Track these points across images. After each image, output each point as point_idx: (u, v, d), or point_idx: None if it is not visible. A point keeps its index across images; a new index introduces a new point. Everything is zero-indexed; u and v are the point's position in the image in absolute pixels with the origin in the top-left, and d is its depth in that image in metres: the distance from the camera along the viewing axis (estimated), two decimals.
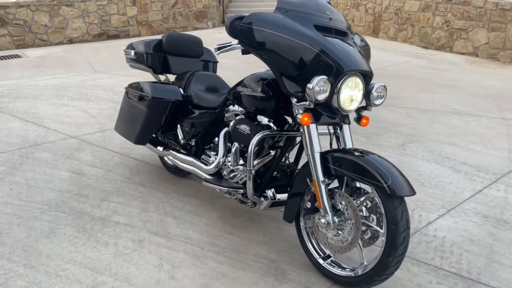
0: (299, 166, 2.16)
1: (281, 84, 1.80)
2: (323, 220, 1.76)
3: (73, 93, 5.37)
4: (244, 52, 1.97)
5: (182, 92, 2.63)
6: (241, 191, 2.08)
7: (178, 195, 2.70)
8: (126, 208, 2.54)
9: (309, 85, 1.67)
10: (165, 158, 2.80)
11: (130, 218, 2.43)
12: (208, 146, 2.50)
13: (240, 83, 2.14)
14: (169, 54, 2.82)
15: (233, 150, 2.06)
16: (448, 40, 7.79)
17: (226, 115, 2.36)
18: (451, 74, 6.21)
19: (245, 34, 1.84)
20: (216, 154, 2.38)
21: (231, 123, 2.14)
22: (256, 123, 2.13)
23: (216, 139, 2.43)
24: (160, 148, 2.72)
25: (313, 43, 1.70)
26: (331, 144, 1.98)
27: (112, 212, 2.50)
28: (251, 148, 1.92)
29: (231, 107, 2.32)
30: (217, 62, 3.07)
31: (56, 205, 2.58)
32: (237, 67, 5.91)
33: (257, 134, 1.93)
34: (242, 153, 2.18)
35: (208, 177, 2.32)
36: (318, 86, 1.67)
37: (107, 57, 7.78)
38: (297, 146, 2.17)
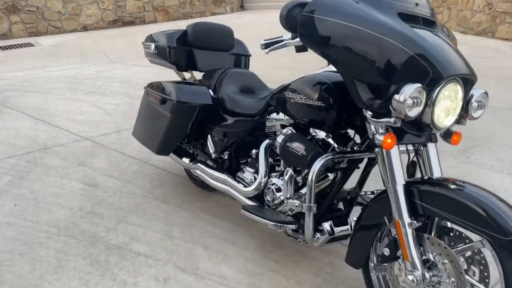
0: (358, 191, 1.72)
1: (353, 93, 1.35)
2: (410, 277, 1.32)
3: (87, 86, 4.99)
4: (300, 49, 1.52)
5: (212, 94, 2.19)
6: (293, 226, 1.65)
7: (207, 216, 2.29)
8: (147, 233, 2.15)
9: (399, 97, 1.22)
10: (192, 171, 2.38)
11: (152, 247, 2.03)
12: (245, 161, 2.07)
13: (287, 87, 1.69)
14: (195, 48, 2.38)
15: (286, 178, 1.61)
16: (490, 25, 7.12)
17: (268, 124, 1.92)
18: (499, 63, 5.60)
19: (307, 26, 1.38)
20: (255, 172, 1.96)
21: (278, 139, 1.70)
22: (309, 137, 1.69)
23: (254, 151, 2.01)
24: (186, 160, 2.30)
25: (404, 40, 1.24)
26: (408, 167, 1.53)
27: (130, 238, 2.11)
28: (312, 177, 1.48)
29: (274, 115, 1.87)
30: (250, 55, 2.62)
31: (65, 227, 2.20)
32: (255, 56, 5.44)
33: (319, 158, 1.49)
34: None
35: (247, 202, 1.90)
36: (412, 97, 1.22)
37: (122, 45, 7.38)
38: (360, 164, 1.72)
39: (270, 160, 1.91)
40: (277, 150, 1.74)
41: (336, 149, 1.61)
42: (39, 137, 3.43)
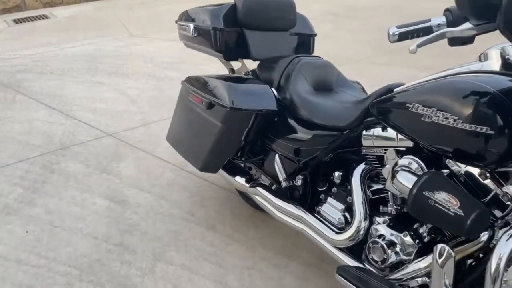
0: None
1: None
2: None
3: (107, 65, 4.44)
4: (458, 42, 0.93)
5: (275, 94, 1.61)
6: None
7: (269, 253, 1.76)
8: (194, 279, 1.65)
9: None
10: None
11: None
12: (325, 188, 1.50)
13: (410, 95, 1.11)
14: (247, 28, 1.79)
15: (437, 260, 1.02)
16: None
17: (366, 143, 1.33)
18: None
19: None
20: (346, 210, 1.40)
21: (401, 178, 1.12)
22: (446, 172, 1.11)
23: (336, 173, 1.45)
24: (240, 180, 1.75)
25: None
26: None
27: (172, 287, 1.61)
28: (496, 266, 0.91)
29: (377, 131, 1.29)
30: (315, 35, 2.01)
31: (89, 268, 1.72)
32: None
33: (501, 231, 0.91)
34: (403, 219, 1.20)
35: (335, 252, 1.35)
36: None
37: (143, 16, 6.75)
38: None
39: (368, 192, 1.35)
40: (392, 189, 1.18)
41: (500, 197, 1.02)
42: (55, 133, 2.94)
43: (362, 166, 1.36)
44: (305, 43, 1.97)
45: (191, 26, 1.83)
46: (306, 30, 1.97)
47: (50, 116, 3.23)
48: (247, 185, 1.72)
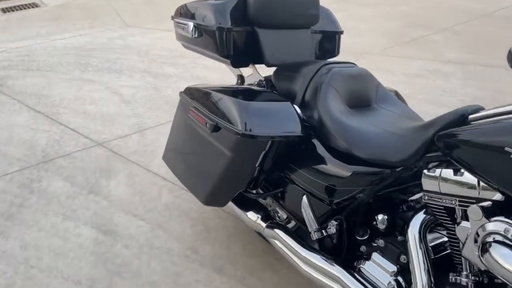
0: None
1: None
2: None
3: (99, 60, 4.08)
4: None
5: (299, 113, 1.26)
6: None
7: None
8: None
9: None
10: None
11: None
12: (365, 238, 1.16)
13: (502, 126, 0.78)
14: (260, 27, 1.43)
15: None
16: None
17: (428, 186, 0.98)
18: None
19: None
20: (399, 273, 1.07)
21: (498, 259, 0.78)
22: None
23: (380, 217, 1.12)
24: (253, 217, 1.41)
25: None
26: None
27: None
28: None
29: (444, 172, 0.94)
30: (342, 32, 1.65)
31: None
32: None
33: None
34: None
35: None
36: None
37: (139, 3, 6.34)
38: None
39: (429, 247, 1.02)
40: (476, 260, 0.85)
41: None
42: (38, 143, 2.59)
43: (421, 216, 1.02)
44: (330, 42, 1.62)
45: (191, 24, 1.46)
46: (331, 26, 1.61)
47: (34, 122, 2.88)
48: (263, 225, 1.38)
